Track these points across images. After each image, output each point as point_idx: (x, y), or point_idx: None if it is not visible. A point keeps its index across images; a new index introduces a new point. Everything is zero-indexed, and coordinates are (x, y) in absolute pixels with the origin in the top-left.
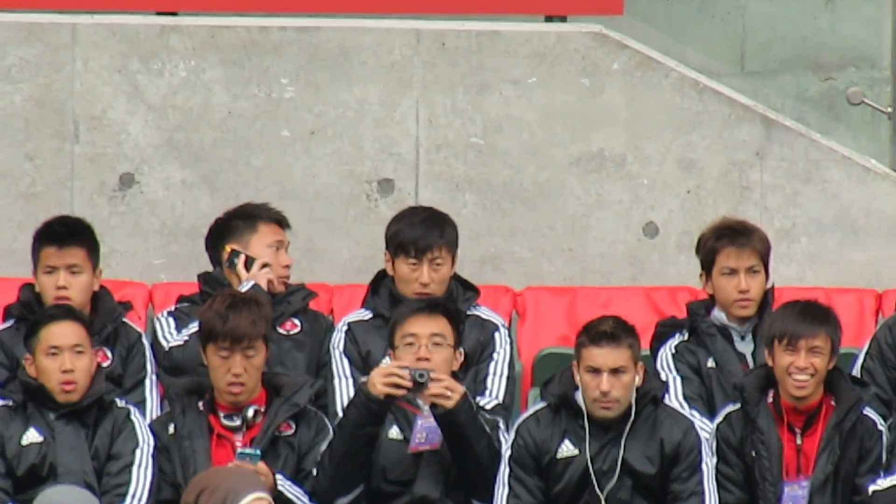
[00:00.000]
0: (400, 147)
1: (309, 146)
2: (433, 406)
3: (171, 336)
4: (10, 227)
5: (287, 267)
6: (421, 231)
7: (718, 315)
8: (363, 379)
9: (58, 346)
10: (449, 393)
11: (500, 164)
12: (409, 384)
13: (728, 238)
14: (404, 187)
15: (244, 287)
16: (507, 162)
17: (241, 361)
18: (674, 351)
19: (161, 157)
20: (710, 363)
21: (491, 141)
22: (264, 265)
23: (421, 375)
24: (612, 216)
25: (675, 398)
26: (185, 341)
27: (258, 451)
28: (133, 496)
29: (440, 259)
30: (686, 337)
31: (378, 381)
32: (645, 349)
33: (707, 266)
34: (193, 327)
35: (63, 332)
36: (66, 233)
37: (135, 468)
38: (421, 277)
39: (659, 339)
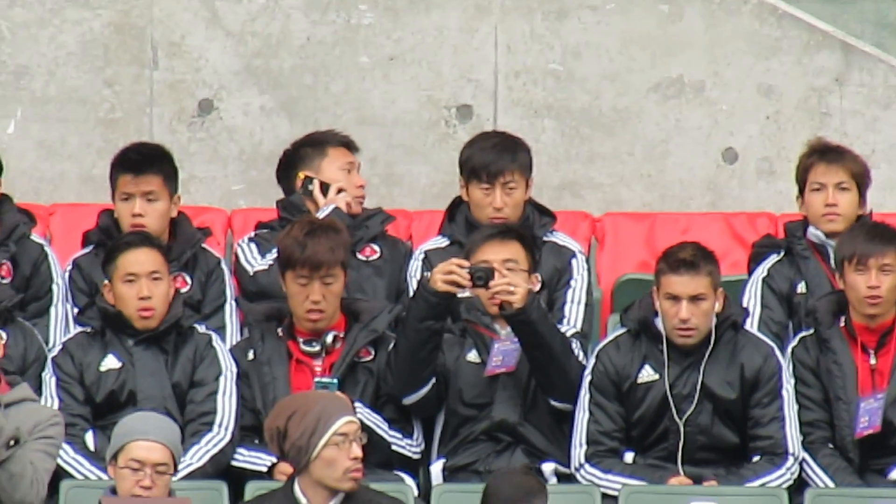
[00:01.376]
0: (478, 73)
1: (388, 72)
2: (502, 308)
3: (255, 261)
4: (89, 154)
5: (361, 187)
6: (493, 155)
7: (815, 232)
8: (426, 274)
9: (135, 273)
10: (511, 288)
11: (578, 90)
12: (467, 282)
13: (819, 154)
14: (483, 113)
15: (323, 212)
16: (586, 88)
17: (320, 288)
18: (766, 274)
19: (240, 83)
20: (801, 288)
21: (569, 67)
22: (340, 190)
23: (480, 272)
24: (691, 142)
25: (754, 327)
26: (270, 265)
27: (335, 380)
28: (220, 425)
29: (513, 183)
30: (781, 256)
31: (438, 278)
32: (735, 274)
33: (801, 185)
34: (276, 252)
35: (140, 260)
36: (142, 160)
37: (219, 396)
38: (494, 202)
39: (755, 260)
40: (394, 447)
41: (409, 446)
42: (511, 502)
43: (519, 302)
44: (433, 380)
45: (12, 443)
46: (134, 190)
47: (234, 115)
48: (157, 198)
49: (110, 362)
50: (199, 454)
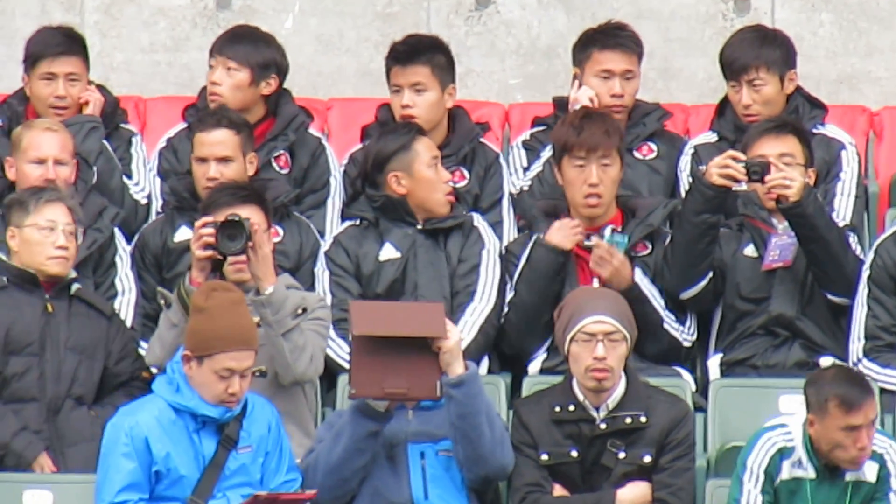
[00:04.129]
0: None
1: None
2: (778, 202)
3: (519, 174)
4: (366, 48)
5: (619, 95)
6: (738, 52)
7: None
8: (702, 167)
9: (437, 156)
10: (787, 182)
11: None
12: (743, 176)
13: None
14: (760, 6)
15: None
16: None
17: (598, 172)
18: None
19: None
20: None
21: None
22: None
23: (756, 166)
24: None
25: None
26: (529, 185)
27: (626, 239)
28: (481, 294)
29: (758, 80)
30: None
31: (714, 171)
32: None
33: None
34: (543, 156)
35: (432, 145)
36: (409, 51)
37: (481, 268)
38: (742, 99)
39: None
40: (666, 324)
41: (681, 332)
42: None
43: (795, 195)
44: (710, 273)
45: (300, 311)
46: (402, 81)
47: (511, 9)
48: (425, 88)
49: (389, 252)
50: (467, 327)
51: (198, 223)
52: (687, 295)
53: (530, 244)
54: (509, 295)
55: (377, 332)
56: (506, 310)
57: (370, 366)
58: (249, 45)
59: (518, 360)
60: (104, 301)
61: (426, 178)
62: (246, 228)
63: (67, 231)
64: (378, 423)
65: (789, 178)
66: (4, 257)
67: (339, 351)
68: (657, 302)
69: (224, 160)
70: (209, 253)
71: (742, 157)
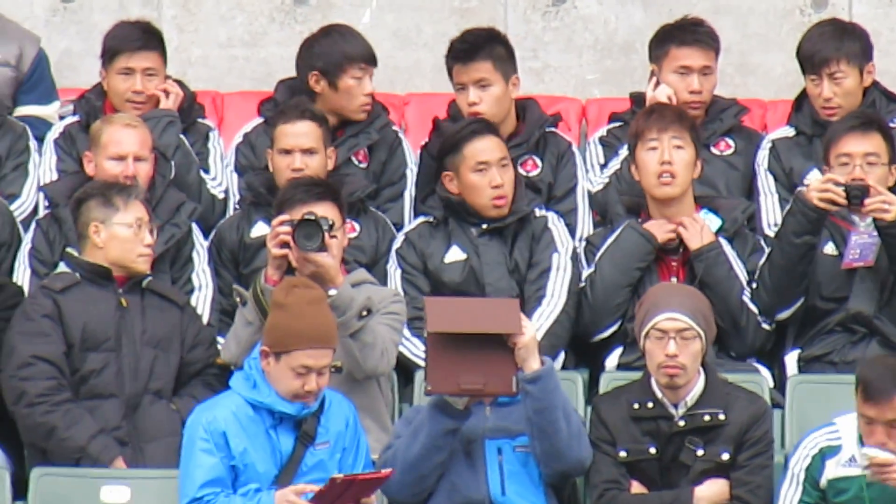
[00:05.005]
0: None
1: None
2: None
3: (595, 171)
4: (443, 43)
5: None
6: (818, 45)
7: None
8: (800, 188)
9: (486, 161)
10: (886, 206)
11: None
12: (843, 200)
13: None
14: (837, 2)
15: None
16: None
17: (670, 150)
18: None
19: None
20: None
21: None
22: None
23: (856, 190)
24: None
25: None
26: (606, 183)
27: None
28: (549, 298)
29: (839, 73)
30: None
31: (814, 195)
32: None
33: None
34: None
35: (488, 147)
36: (469, 48)
37: (552, 272)
38: (822, 92)
39: None
40: (744, 297)
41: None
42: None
43: (892, 218)
44: (806, 293)
45: (365, 313)
46: (465, 79)
47: (588, 4)
48: (489, 83)
49: (455, 254)
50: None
51: (274, 221)
52: (783, 316)
53: (622, 225)
54: (588, 271)
55: (453, 328)
56: (582, 284)
57: (446, 362)
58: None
59: (595, 356)
60: (176, 291)
61: (470, 182)
62: (322, 227)
63: (149, 228)
64: (456, 420)
65: (888, 201)
66: (76, 253)
67: (414, 349)
68: (742, 273)
69: (309, 151)
70: (285, 251)
71: (841, 180)
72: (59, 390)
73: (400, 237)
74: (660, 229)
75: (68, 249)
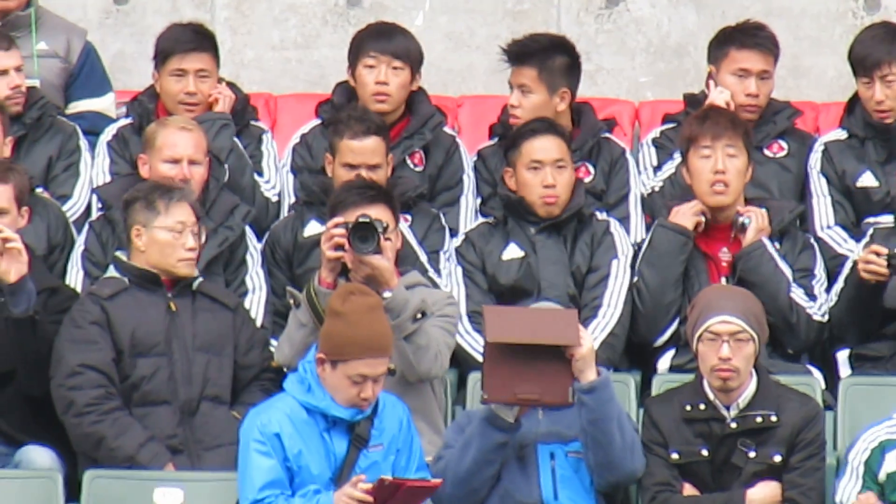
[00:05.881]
0: None
1: None
2: None
3: (648, 173)
4: (495, 45)
5: (754, 95)
6: (870, 47)
7: None
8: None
9: (540, 160)
10: None
11: None
12: (885, 270)
13: None
14: (890, 4)
15: None
16: None
17: (723, 159)
18: None
19: None
20: None
21: None
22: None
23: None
24: None
25: None
26: (661, 186)
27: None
28: (606, 309)
29: (891, 76)
30: None
31: (861, 268)
32: None
33: None
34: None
35: (545, 147)
36: (518, 52)
37: (610, 281)
38: (874, 95)
39: None
40: (791, 294)
41: (811, 307)
42: None
43: None
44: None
45: (419, 315)
46: (512, 80)
47: (641, 7)
48: (530, 90)
49: (512, 251)
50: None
51: (329, 223)
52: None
53: (652, 227)
54: (633, 280)
55: (512, 339)
56: (633, 294)
57: (503, 371)
58: (406, 41)
59: (647, 358)
60: (227, 293)
61: (523, 179)
62: (377, 230)
63: (193, 231)
64: (507, 434)
65: None
66: (124, 257)
67: (474, 343)
68: (787, 270)
69: (374, 167)
70: (340, 254)
71: (883, 250)
72: (107, 399)
73: (460, 237)
74: (686, 217)
75: (117, 253)
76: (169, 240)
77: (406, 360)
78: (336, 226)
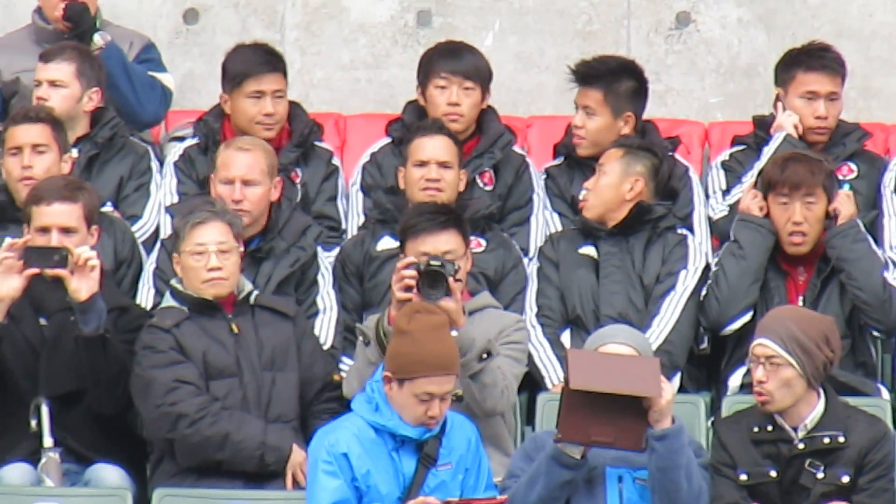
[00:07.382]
0: None
1: None
2: None
3: (717, 198)
4: (565, 66)
5: (822, 117)
6: None
7: None
8: None
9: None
10: None
11: None
12: None
13: None
14: None
15: (775, 137)
16: None
17: (801, 210)
18: None
19: None
20: None
21: None
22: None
23: None
24: None
25: None
26: (727, 210)
27: None
28: (659, 321)
29: None
30: None
31: None
32: None
33: None
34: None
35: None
36: (584, 73)
37: (672, 293)
38: None
39: None
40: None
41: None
42: None
43: None
44: None
45: (485, 356)
46: (577, 100)
47: (711, 28)
48: (593, 112)
49: (587, 251)
50: None
51: (400, 264)
52: None
53: (734, 221)
54: (713, 270)
55: (594, 387)
56: (710, 281)
57: (580, 414)
58: (475, 61)
59: (718, 377)
60: (284, 302)
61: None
62: (447, 275)
63: (220, 251)
64: (574, 472)
65: None
66: (181, 287)
67: (542, 352)
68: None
69: (444, 165)
70: (409, 295)
71: None
72: (212, 402)
73: (535, 253)
74: (754, 207)
75: (172, 282)
76: (191, 263)
77: (472, 397)
78: (407, 265)
